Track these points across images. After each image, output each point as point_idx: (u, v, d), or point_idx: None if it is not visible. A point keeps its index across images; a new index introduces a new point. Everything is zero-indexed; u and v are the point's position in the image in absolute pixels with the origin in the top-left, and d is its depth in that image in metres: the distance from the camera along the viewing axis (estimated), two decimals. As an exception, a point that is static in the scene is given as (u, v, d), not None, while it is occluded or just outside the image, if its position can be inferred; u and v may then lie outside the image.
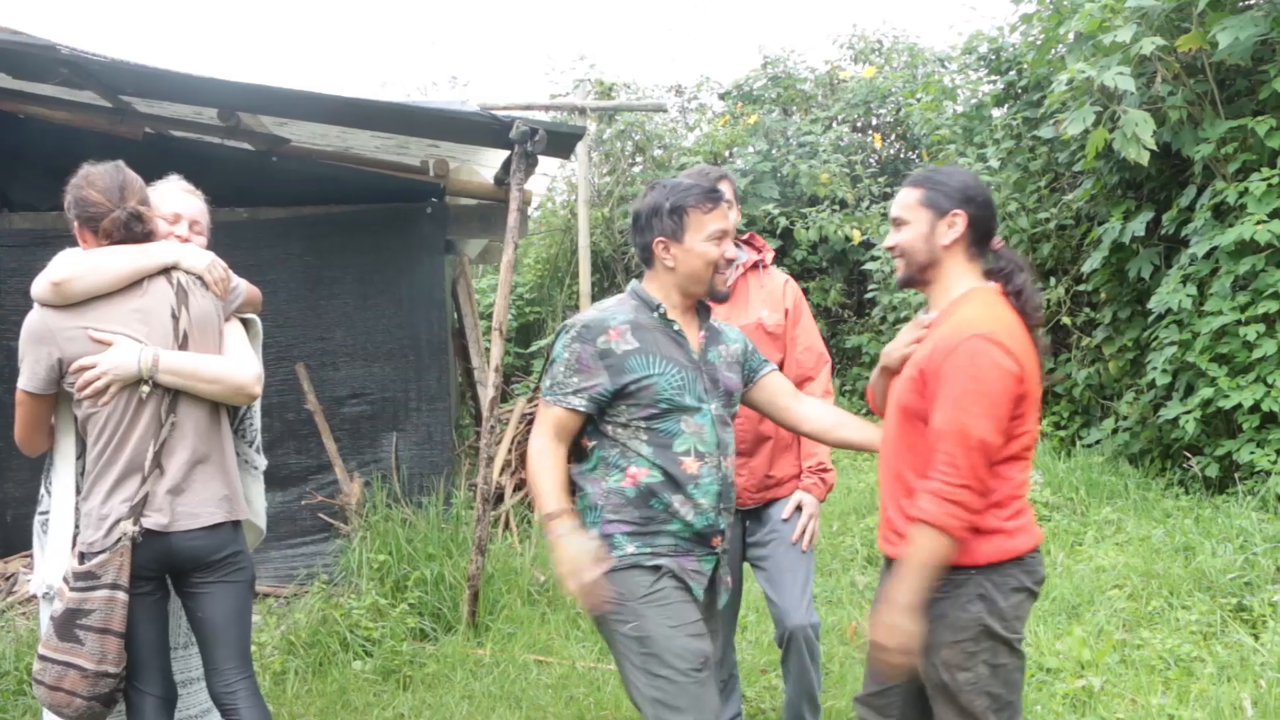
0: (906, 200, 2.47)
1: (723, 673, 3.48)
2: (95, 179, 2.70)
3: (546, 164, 9.29)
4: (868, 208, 10.38)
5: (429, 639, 4.73)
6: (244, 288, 2.94)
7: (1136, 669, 3.93)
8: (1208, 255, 5.65)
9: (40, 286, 2.62)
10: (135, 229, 2.70)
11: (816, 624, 3.27)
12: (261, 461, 3.04)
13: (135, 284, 2.67)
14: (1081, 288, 7.25)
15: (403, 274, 5.88)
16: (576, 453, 2.64)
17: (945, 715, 2.37)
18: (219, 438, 2.78)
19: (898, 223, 2.48)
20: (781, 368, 3.31)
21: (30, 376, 2.64)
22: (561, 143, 4.79)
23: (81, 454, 2.72)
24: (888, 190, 10.49)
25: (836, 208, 10.24)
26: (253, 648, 3.10)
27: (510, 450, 6.32)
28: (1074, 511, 5.88)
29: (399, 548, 5.10)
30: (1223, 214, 5.64)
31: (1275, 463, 5.24)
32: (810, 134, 10.88)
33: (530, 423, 6.52)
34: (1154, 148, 5.51)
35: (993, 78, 8.53)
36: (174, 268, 2.73)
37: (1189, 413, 5.58)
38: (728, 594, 2.70)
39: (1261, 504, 5.12)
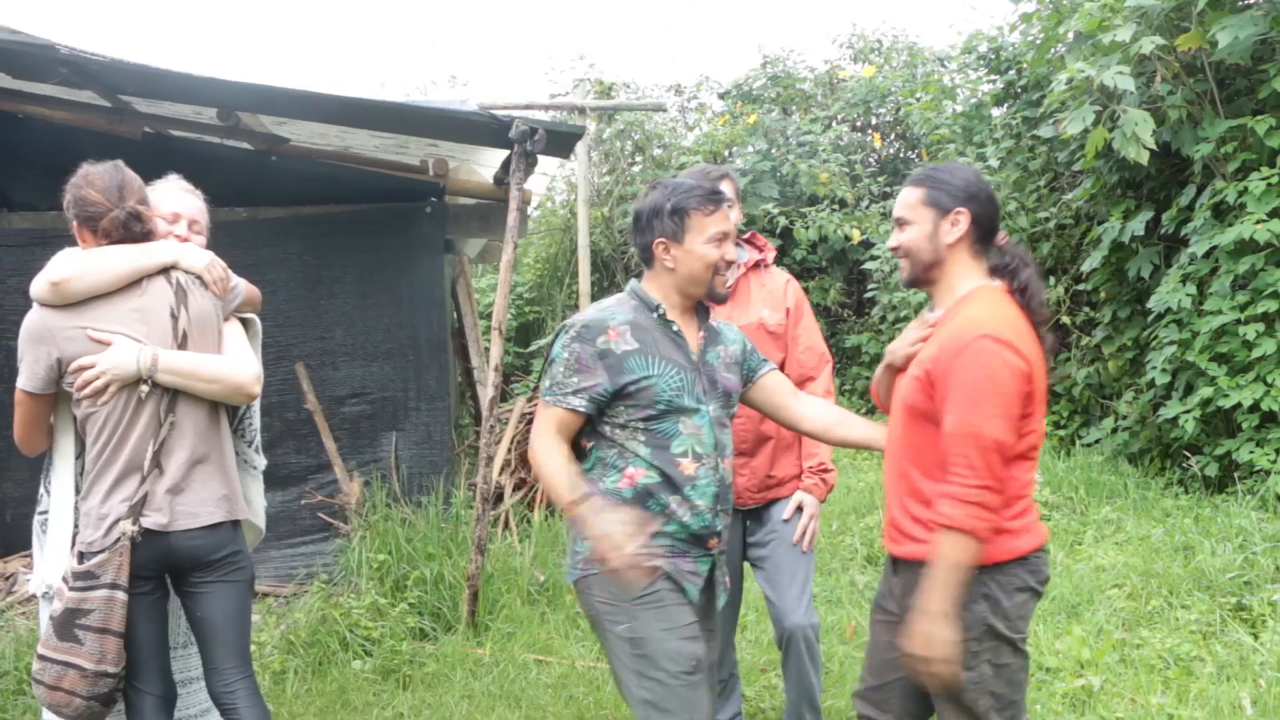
0: (908, 200, 2.46)
1: (723, 672, 3.48)
2: (94, 178, 2.70)
3: (546, 163, 9.29)
4: (867, 207, 10.38)
5: (428, 638, 4.73)
6: (243, 287, 2.94)
7: (1136, 668, 3.93)
8: (1207, 254, 5.65)
9: (39, 286, 2.62)
10: (134, 228, 2.70)
11: (816, 624, 3.27)
12: (261, 461, 3.04)
13: (134, 283, 2.67)
14: (1081, 287, 7.25)
15: (402, 273, 5.88)
16: (574, 453, 2.63)
17: (948, 714, 2.37)
18: (218, 437, 2.78)
19: (901, 223, 2.47)
20: (783, 367, 3.30)
21: (29, 376, 2.64)
22: (561, 142, 4.79)
23: (81, 454, 2.72)
24: (887, 190, 10.49)
25: (836, 207, 10.24)
26: (252, 647, 3.10)
27: (510, 450, 6.32)
28: (1073, 511, 5.88)
29: (398, 547, 5.10)
30: (1222, 213, 5.64)
31: (1275, 462, 5.24)
32: (810, 133, 10.88)
33: (529, 422, 6.52)
34: (1153, 147, 5.51)
35: (992, 77, 8.53)
36: (173, 267, 2.73)
37: (1188, 412, 5.58)
38: (726, 595, 2.70)
39: (1261, 503, 5.12)
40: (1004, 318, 2.31)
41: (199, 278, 2.78)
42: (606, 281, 10.74)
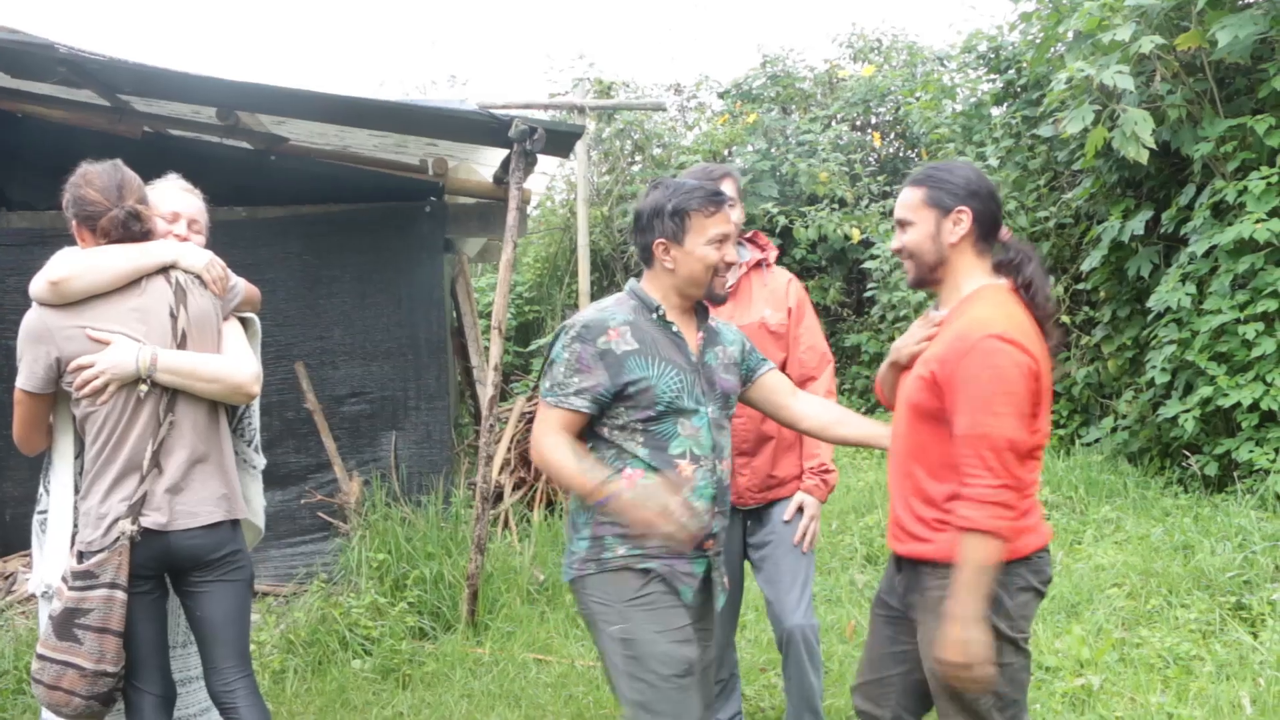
0: (909, 200, 2.44)
1: (723, 672, 3.49)
2: (93, 178, 2.70)
3: (545, 163, 9.28)
4: (867, 206, 10.38)
5: (428, 638, 4.73)
6: (242, 286, 2.94)
7: (1135, 667, 3.93)
8: (1207, 254, 5.65)
9: (38, 285, 2.62)
10: (133, 228, 2.70)
11: (815, 626, 3.27)
12: (260, 460, 3.03)
13: (133, 283, 2.67)
14: (1081, 286, 7.25)
15: (401, 273, 5.88)
16: None
17: (950, 711, 2.36)
18: (217, 437, 2.78)
19: (902, 224, 2.46)
20: (784, 367, 3.30)
21: (28, 376, 2.64)
22: (560, 141, 4.79)
23: (80, 453, 2.72)
24: (887, 189, 10.50)
25: (835, 206, 10.24)
26: (252, 646, 3.10)
27: (510, 449, 6.32)
28: (1073, 510, 5.88)
29: (398, 546, 5.10)
30: (1222, 212, 5.64)
31: (1274, 461, 5.24)
32: (809, 133, 10.88)
33: (529, 421, 6.52)
34: (1153, 146, 5.51)
35: (992, 76, 8.53)
36: (172, 267, 2.73)
37: (1188, 411, 5.58)
38: (725, 595, 2.69)
39: (1260, 502, 5.12)
40: (1010, 317, 2.30)
41: (198, 277, 2.77)
42: (606, 281, 10.74)
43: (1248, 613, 4.23)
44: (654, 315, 2.58)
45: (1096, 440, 6.88)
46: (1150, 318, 6.12)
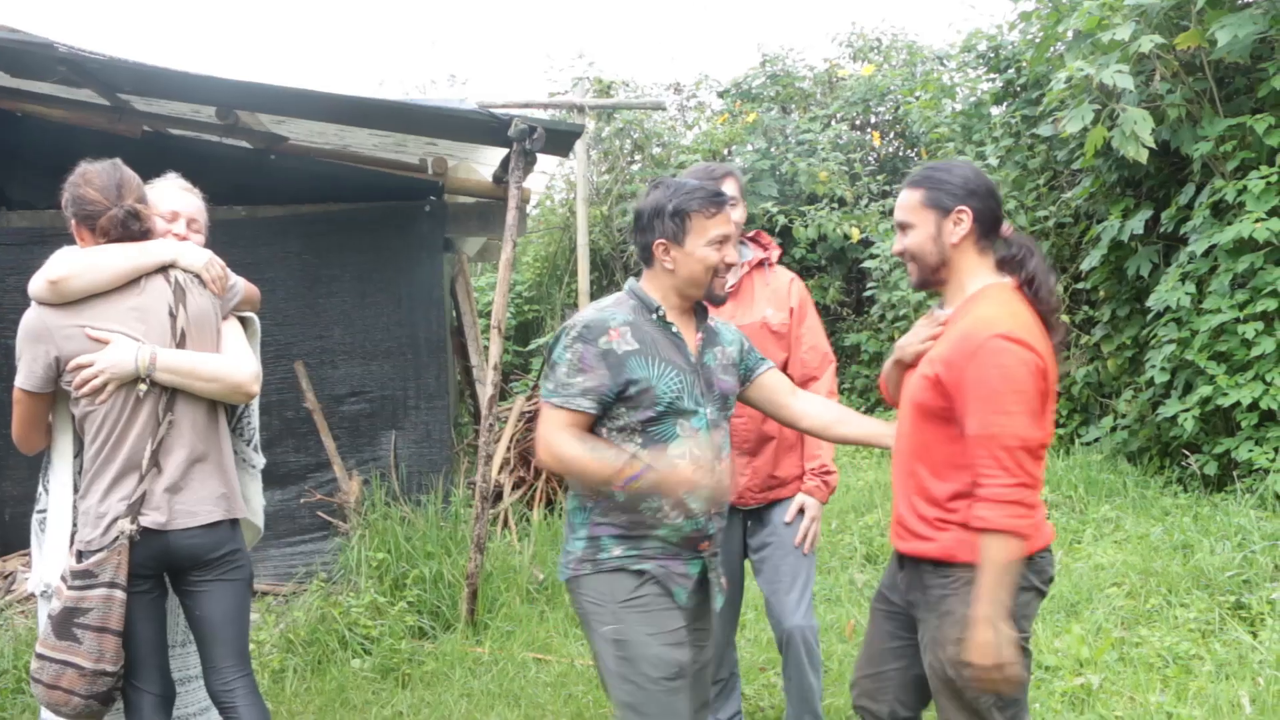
0: (908, 203, 2.44)
1: (723, 671, 3.49)
2: (93, 177, 2.70)
3: (545, 162, 9.28)
4: (866, 206, 10.38)
5: (428, 637, 4.73)
6: (242, 286, 2.94)
7: (1135, 667, 3.93)
8: (1206, 253, 5.65)
9: (37, 285, 2.62)
10: (133, 227, 2.70)
11: (815, 627, 3.27)
12: (259, 460, 3.03)
13: (133, 282, 2.67)
14: (1080, 286, 7.25)
15: (401, 272, 5.88)
16: None
17: (950, 710, 2.37)
18: (217, 436, 2.78)
19: (903, 227, 2.45)
20: (786, 367, 3.29)
21: (28, 375, 2.64)
22: (560, 141, 4.79)
23: (79, 452, 2.72)
24: (886, 188, 10.49)
25: (835, 206, 10.24)
26: (251, 646, 3.10)
27: (509, 448, 6.32)
28: (1072, 509, 5.88)
29: (398, 546, 5.10)
30: (1221, 212, 5.64)
31: (1274, 460, 5.24)
32: (809, 132, 10.88)
33: (529, 420, 6.52)
34: (1153, 145, 5.51)
35: (991, 76, 8.53)
36: (172, 266, 2.73)
37: (1187, 411, 5.58)
38: (723, 596, 2.68)
39: (1260, 502, 5.12)
40: (1015, 315, 2.30)
41: (197, 276, 2.77)
42: (606, 280, 10.74)
43: (1247, 612, 4.23)
44: (654, 316, 2.58)
45: (1096, 439, 6.88)
46: (1150, 317, 6.12)
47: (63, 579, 2.60)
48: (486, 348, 6.18)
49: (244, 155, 5.75)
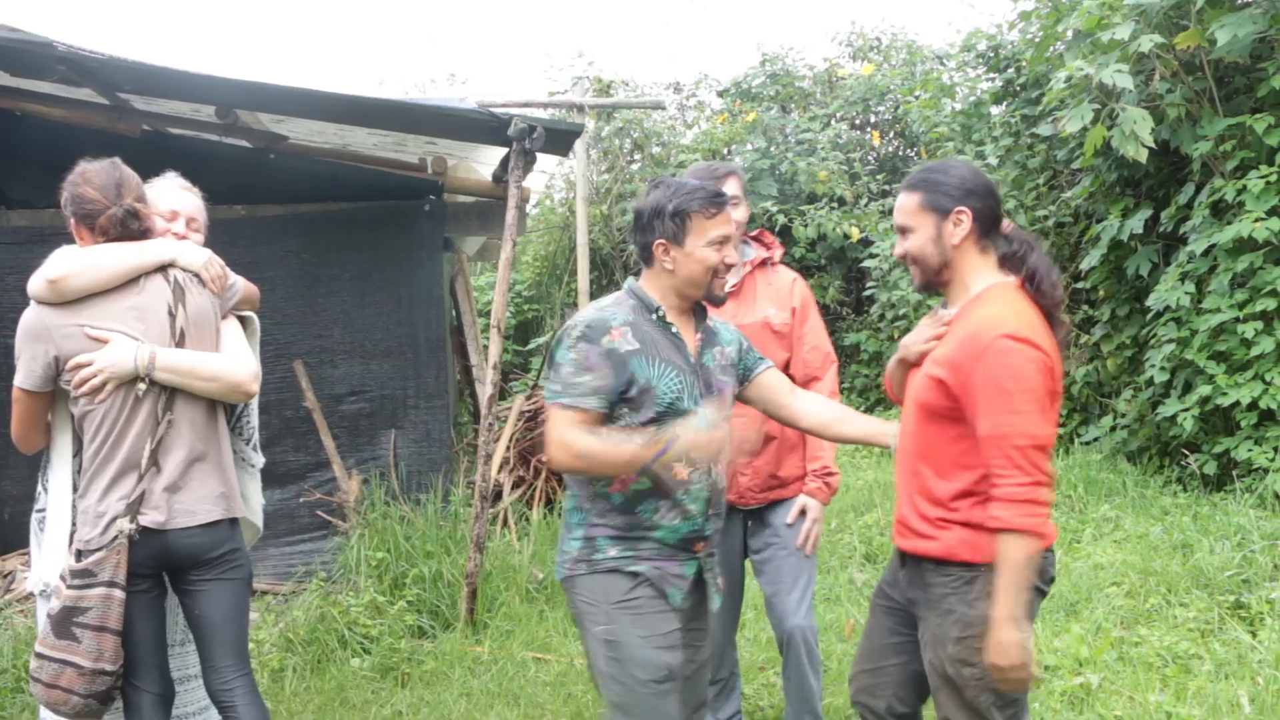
0: (907, 206, 2.44)
1: (723, 671, 3.49)
2: (92, 176, 2.69)
3: (545, 161, 9.28)
4: (866, 205, 10.38)
5: (427, 636, 4.73)
6: (241, 285, 2.94)
7: (1134, 666, 3.93)
8: (1206, 253, 5.65)
9: (37, 284, 2.62)
10: (132, 226, 2.70)
11: (815, 628, 3.27)
12: (259, 459, 3.03)
13: (132, 281, 2.67)
14: (1080, 285, 7.25)
15: (401, 271, 5.87)
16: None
17: (950, 708, 2.37)
18: (216, 435, 2.78)
19: (903, 230, 2.45)
20: (788, 367, 3.29)
21: (27, 374, 2.64)
22: (560, 140, 4.79)
23: (78, 451, 2.72)
24: (886, 188, 10.49)
25: (835, 205, 10.24)
26: (251, 645, 3.10)
27: (509, 447, 6.32)
28: (1072, 509, 5.88)
29: (397, 545, 5.10)
30: (1221, 211, 5.64)
31: (1273, 460, 5.24)
32: (809, 131, 10.88)
33: (528, 420, 6.52)
34: (1152, 145, 5.51)
35: (991, 75, 8.53)
36: (171, 265, 2.73)
37: (1187, 410, 5.58)
38: (720, 596, 2.68)
39: (1259, 501, 5.12)
40: (1019, 315, 2.30)
41: (197, 275, 2.77)
42: (605, 279, 10.74)
43: (1246, 611, 4.23)
44: (654, 316, 2.57)
45: (1095, 439, 6.88)
46: (1149, 316, 6.11)
47: (62, 578, 2.60)
48: (486, 347, 6.18)
49: (243, 154, 5.75)
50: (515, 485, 6.23)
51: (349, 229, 5.82)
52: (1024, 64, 7.71)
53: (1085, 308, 7.35)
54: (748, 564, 3.47)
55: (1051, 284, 2.38)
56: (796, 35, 26.08)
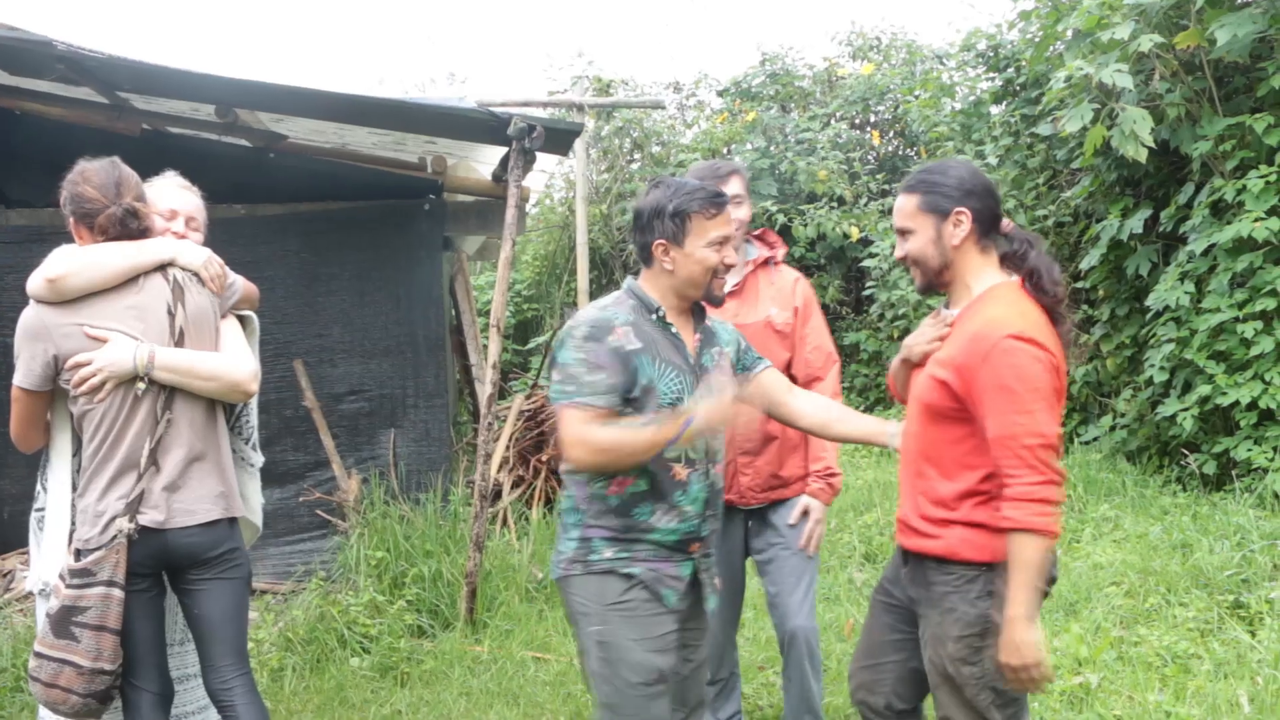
0: (906, 208, 2.43)
1: (723, 671, 3.49)
2: (91, 175, 2.69)
3: (544, 161, 9.28)
4: (866, 205, 10.38)
5: (427, 636, 4.73)
6: (241, 284, 2.94)
7: (1134, 666, 3.93)
8: (1206, 252, 5.65)
9: (36, 283, 2.61)
10: (131, 225, 2.70)
11: (816, 629, 3.27)
12: (258, 458, 3.03)
13: (131, 280, 2.66)
14: (1079, 285, 7.25)
15: (400, 271, 5.87)
16: (560, 459, 2.61)
17: (949, 707, 2.37)
18: (215, 435, 2.77)
19: (903, 233, 2.45)
20: (790, 367, 3.28)
21: (26, 373, 2.64)
22: (559, 139, 4.79)
23: (77, 451, 2.72)
24: (885, 187, 10.49)
25: (834, 205, 10.24)
26: (250, 644, 3.10)
27: (508, 447, 6.32)
28: (1071, 508, 5.88)
29: (397, 544, 5.09)
30: (1221, 211, 5.64)
31: (1272, 460, 5.24)
32: (808, 131, 10.87)
33: (528, 419, 6.52)
34: (1152, 145, 5.51)
35: (991, 75, 8.52)
36: (170, 264, 2.72)
37: (1186, 410, 5.58)
38: (716, 596, 2.67)
39: (1259, 501, 5.12)
40: (1023, 315, 2.30)
41: (196, 275, 2.77)
42: (605, 279, 10.74)
43: (1246, 611, 4.23)
44: (654, 316, 2.57)
45: (1095, 439, 6.88)
46: (1149, 316, 6.11)
47: (61, 577, 2.60)
48: (485, 346, 6.18)
49: (243, 153, 5.74)
50: (515, 485, 6.22)
51: (348, 228, 5.82)
52: (1024, 64, 7.71)
53: (1085, 307, 7.35)
54: (749, 564, 3.46)
55: (1053, 281, 2.38)
56: (796, 35, 26.10)
